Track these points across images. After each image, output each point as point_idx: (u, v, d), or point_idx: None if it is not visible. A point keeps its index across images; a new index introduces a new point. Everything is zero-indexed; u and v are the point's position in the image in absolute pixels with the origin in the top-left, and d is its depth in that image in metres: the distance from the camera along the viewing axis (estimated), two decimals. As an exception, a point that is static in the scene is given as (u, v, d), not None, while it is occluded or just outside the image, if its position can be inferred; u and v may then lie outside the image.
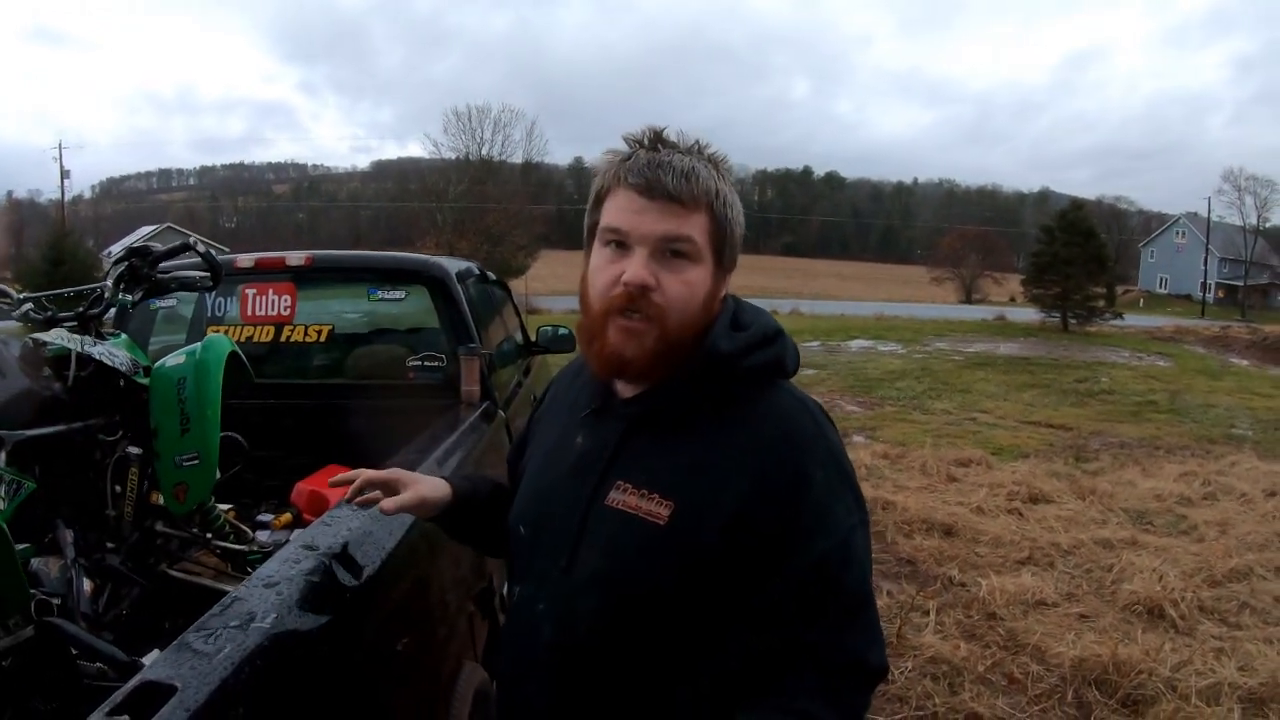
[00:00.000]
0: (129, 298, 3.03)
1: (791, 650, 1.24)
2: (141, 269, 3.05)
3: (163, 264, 3.14)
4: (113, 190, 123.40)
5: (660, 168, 1.29)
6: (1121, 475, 8.55)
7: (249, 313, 4.03)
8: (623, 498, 1.33)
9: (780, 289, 55.85)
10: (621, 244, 1.32)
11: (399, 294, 4.05)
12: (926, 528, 6.41)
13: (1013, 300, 48.36)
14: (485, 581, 2.79)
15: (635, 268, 1.29)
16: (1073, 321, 30.31)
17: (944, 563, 5.67)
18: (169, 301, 4.05)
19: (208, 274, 3.18)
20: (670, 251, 1.30)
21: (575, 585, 1.35)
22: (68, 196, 63.82)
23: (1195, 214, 74.48)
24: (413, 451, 2.72)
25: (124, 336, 3.01)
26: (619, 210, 1.32)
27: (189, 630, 1.38)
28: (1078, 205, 36.05)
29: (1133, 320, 34.72)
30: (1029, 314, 33.34)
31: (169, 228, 61.86)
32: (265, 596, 1.51)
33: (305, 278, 4.06)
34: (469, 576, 2.60)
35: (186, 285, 3.29)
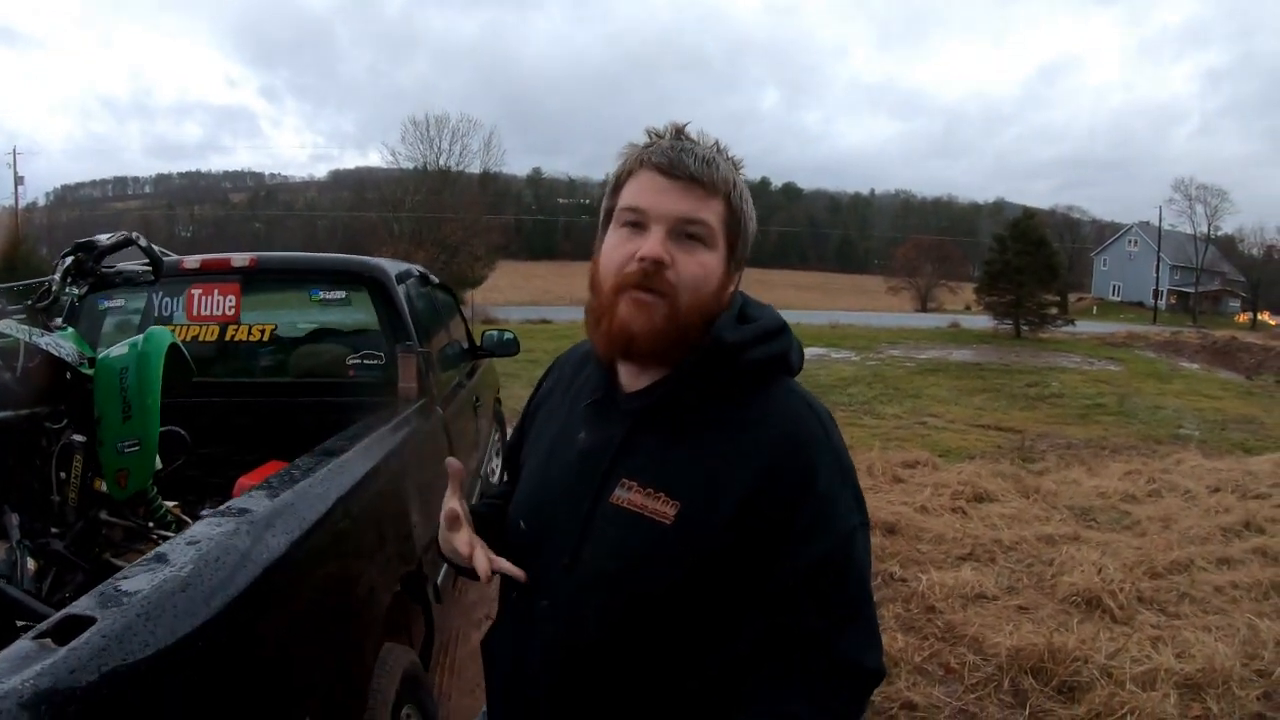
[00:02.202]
0: (75, 291, 3.14)
1: (787, 651, 1.26)
2: (86, 263, 3.14)
3: (108, 258, 3.22)
4: (67, 198, 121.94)
5: (684, 152, 1.32)
6: (1067, 474, 8.63)
7: (194, 312, 4.07)
8: (629, 496, 1.33)
9: (737, 298, 56.00)
10: (638, 224, 1.33)
11: (340, 294, 4.12)
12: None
13: (967, 308, 48.89)
14: (413, 565, 2.82)
15: (652, 243, 1.30)
16: (1025, 328, 30.72)
17: (885, 559, 5.67)
18: (117, 301, 4.11)
19: (150, 268, 3.26)
20: (686, 233, 1.32)
21: (579, 584, 1.35)
22: (21, 204, 62.99)
23: (1147, 223, 75.68)
24: (345, 438, 2.77)
25: (71, 330, 3.11)
26: (640, 190, 1.34)
27: (113, 577, 1.48)
28: (1030, 215, 36.52)
29: (1085, 327, 35.13)
30: (983, 321, 33.72)
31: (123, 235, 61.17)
32: (185, 551, 1.59)
33: (250, 279, 4.11)
34: (393, 559, 2.63)
35: (131, 280, 3.38)
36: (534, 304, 48.08)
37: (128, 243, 3.24)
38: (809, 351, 22.55)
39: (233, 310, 4.04)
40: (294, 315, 4.47)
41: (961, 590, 5.13)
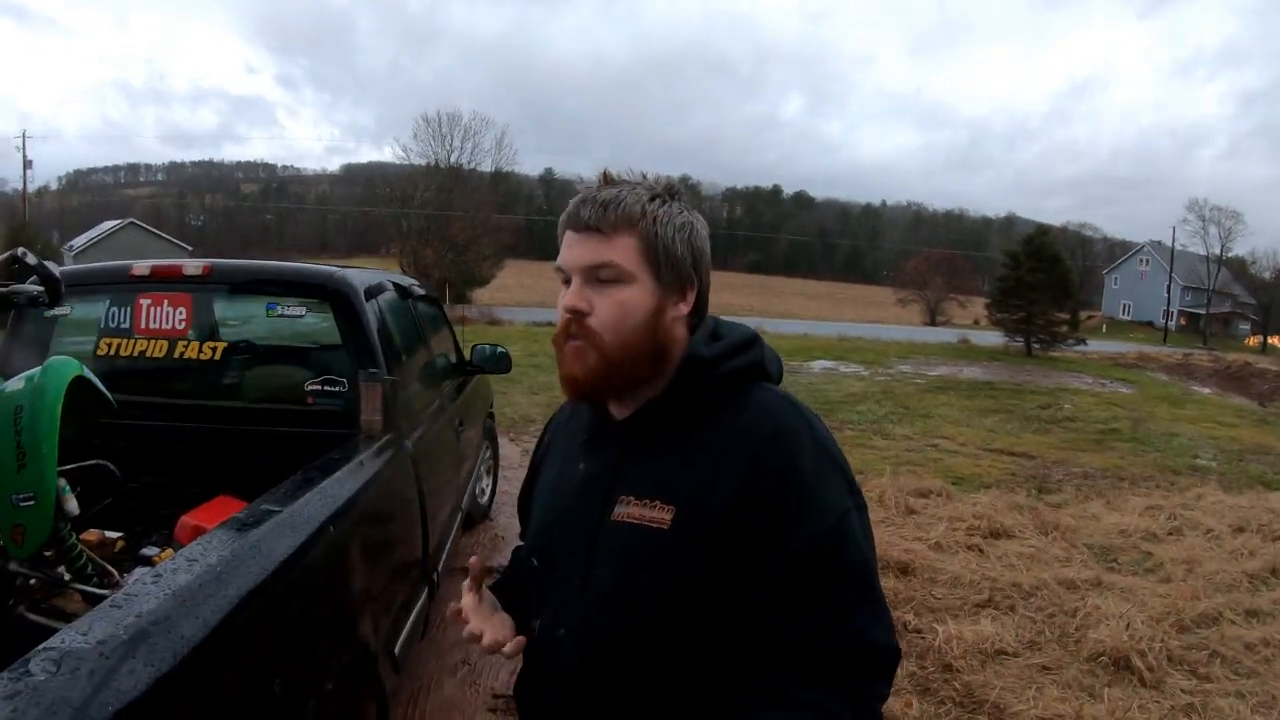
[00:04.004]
0: None
1: (796, 639, 1.26)
2: None
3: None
4: (79, 183, 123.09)
5: (583, 203, 1.39)
6: (1085, 508, 8.30)
7: (142, 325, 3.74)
8: (627, 510, 1.37)
9: (746, 306, 56.10)
10: (567, 279, 1.40)
11: (299, 310, 3.75)
12: (882, 566, 5.98)
13: (977, 323, 48.58)
14: (350, 654, 2.50)
15: (569, 296, 1.38)
16: (1036, 346, 30.45)
17: (899, 606, 5.32)
18: (64, 309, 3.71)
19: (43, 290, 2.90)
20: (598, 278, 1.37)
21: (591, 604, 1.38)
22: (32, 188, 63.07)
23: (1159, 242, 75.81)
24: (276, 499, 2.36)
25: None
26: (562, 249, 1.42)
27: None
28: (1043, 231, 36.22)
29: (1095, 346, 34.91)
30: (993, 337, 33.43)
31: (132, 223, 61.58)
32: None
33: (203, 289, 3.79)
34: (325, 653, 2.30)
35: (34, 300, 3.01)
36: (542, 305, 47.94)
37: (14, 261, 2.88)
38: (818, 364, 22.41)
39: (183, 324, 3.71)
40: (251, 331, 4.14)
41: (980, 645, 4.75)
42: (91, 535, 3.01)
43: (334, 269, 3.92)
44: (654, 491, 1.35)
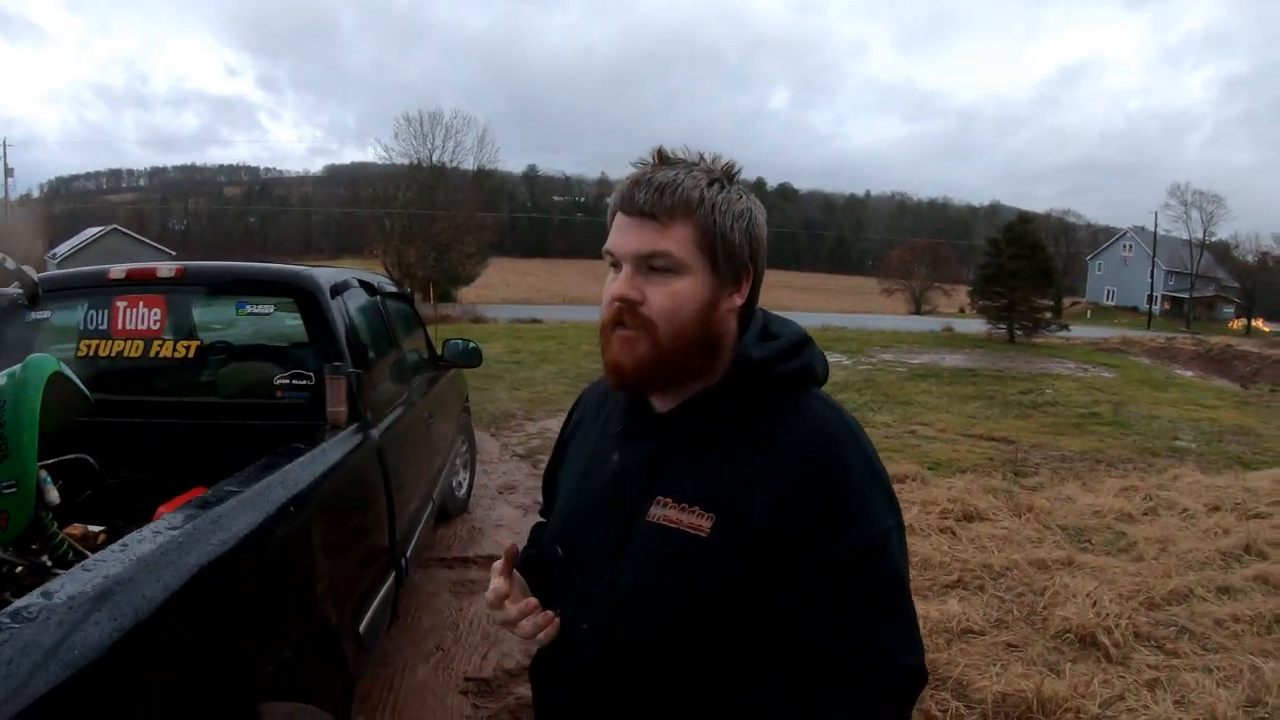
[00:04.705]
0: None
1: (819, 640, 1.25)
2: None
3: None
4: (61, 190, 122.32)
5: (638, 185, 1.32)
6: (1061, 490, 8.34)
7: (119, 326, 3.83)
8: (664, 512, 1.33)
9: (732, 299, 56.12)
10: (617, 264, 1.35)
11: (266, 308, 3.85)
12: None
13: (962, 312, 48.73)
14: (313, 624, 2.60)
15: (620, 284, 1.33)
16: (1019, 333, 30.57)
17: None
18: (43, 313, 3.79)
19: (21, 291, 3.01)
20: (651, 267, 1.32)
21: (619, 602, 1.36)
22: (14, 195, 62.79)
23: (1142, 228, 76.09)
24: (238, 481, 2.46)
25: None
26: (613, 232, 1.36)
27: None
28: (1025, 219, 36.25)
29: (1079, 331, 35.02)
30: (977, 325, 33.52)
31: (115, 230, 61.35)
32: None
33: (176, 290, 3.88)
34: (279, 625, 2.39)
35: (15, 303, 3.13)
36: (526, 302, 47.97)
37: None
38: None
39: (158, 324, 3.80)
40: (223, 330, 4.22)
41: (947, 624, 4.83)
42: (75, 530, 3.09)
43: (301, 268, 4.00)
44: (695, 496, 1.32)
